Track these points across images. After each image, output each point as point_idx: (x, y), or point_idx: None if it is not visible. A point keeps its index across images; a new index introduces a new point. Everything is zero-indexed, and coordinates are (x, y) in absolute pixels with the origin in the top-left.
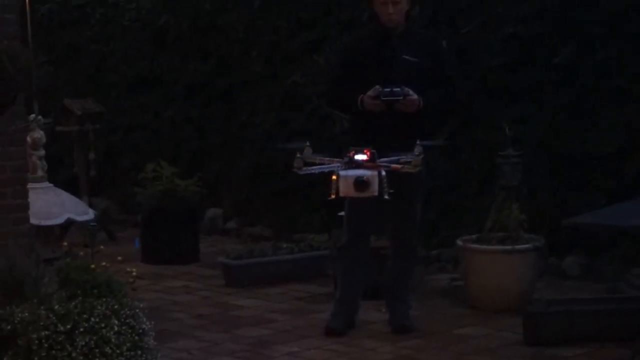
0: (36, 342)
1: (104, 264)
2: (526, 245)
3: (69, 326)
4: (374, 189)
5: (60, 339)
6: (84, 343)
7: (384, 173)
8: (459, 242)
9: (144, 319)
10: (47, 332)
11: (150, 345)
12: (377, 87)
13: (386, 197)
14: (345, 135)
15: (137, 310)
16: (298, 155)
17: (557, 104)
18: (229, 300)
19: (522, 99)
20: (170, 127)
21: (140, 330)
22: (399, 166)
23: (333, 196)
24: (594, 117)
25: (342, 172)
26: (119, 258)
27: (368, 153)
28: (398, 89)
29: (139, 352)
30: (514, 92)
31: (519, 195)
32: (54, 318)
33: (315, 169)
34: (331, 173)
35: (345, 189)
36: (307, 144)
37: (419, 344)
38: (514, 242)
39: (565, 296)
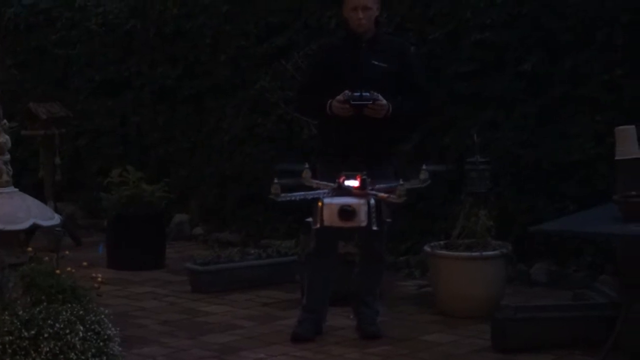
0: (0, 347)
1: (69, 269)
2: (494, 252)
3: (33, 332)
4: (361, 219)
5: (24, 344)
6: (48, 349)
7: (373, 202)
8: (427, 249)
9: (110, 325)
10: (11, 338)
11: (115, 352)
12: (347, 91)
13: (374, 228)
14: (313, 140)
15: (103, 316)
16: (275, 181)
17: (525, 112)
18: (196, 306)
19: (490, 106)
20: (137, 132)
21: (106, 337)
22: (384, 195)
23: (317, 226)
24: (562, 125)
25: (326, 200)
26: (85, 263)
27: (359, 179)
28: (367, 94)
29: (104, 358)
30: (482, 99)
31: (487, 202)
32: (18, 323)
33: (296, 196)
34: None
35: (330, 218)
36: (307, 166)
37: (387, 350)
38: (481, 248)
39: (533, 303)
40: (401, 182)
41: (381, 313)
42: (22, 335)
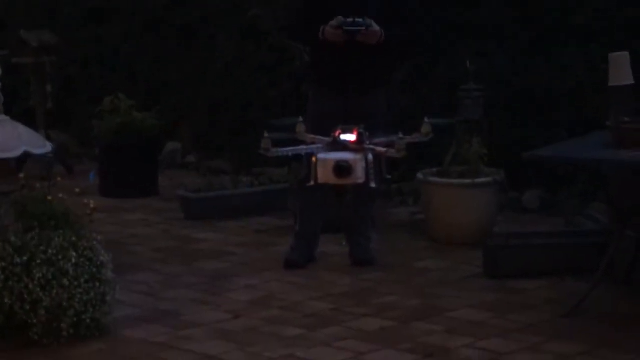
0: None
1: (61, 196)
2: (486, 179)
3: (25, 258)
4: (358, 176)
5: (17, 270)
6: (41, 275)
7: (370, 157)
8: (420, 176)
9: (102, 251)
10: (3, 264)
11: (108, 278)
12: (340, 17)
13: (373, 185)
14: (305, 68)
15: (95, 243)
16: (266, 135)
17: (518, 40)
18: (188, 233)
19: (483, 34)
20: (128, 60)
21: (99, 263)
22: (383, 150)
23: (312, 183)
24: (555, 53)
25: (321, 155)
26: (77, 190)
27: (356, 133)
28: (360, 20)
29: (97, 284)
30: (475, 27)
31: (480, 129)
32: (11, 250)
33: (289, 151)
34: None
35: (324, 175)
36: (300, 119)
37: (380, 277)
38: (474, 176)
39: (525, 230)
40: (401, 135)
41: (374, 240)
42: (15, 261)
